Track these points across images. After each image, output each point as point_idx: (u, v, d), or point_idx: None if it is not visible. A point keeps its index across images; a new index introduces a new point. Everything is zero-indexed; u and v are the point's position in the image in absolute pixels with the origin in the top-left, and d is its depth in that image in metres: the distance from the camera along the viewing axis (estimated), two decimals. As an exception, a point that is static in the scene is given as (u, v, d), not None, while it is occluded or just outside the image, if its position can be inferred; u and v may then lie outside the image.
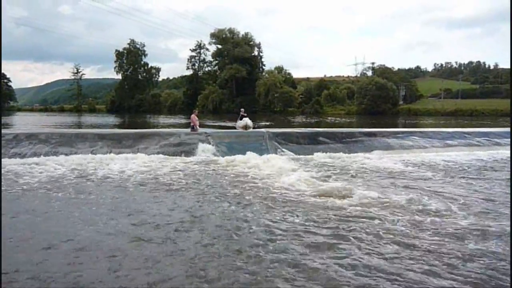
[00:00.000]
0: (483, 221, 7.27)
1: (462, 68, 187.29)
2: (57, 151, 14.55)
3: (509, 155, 17.19)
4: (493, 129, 24.64)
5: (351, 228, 6.86)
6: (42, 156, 13.99)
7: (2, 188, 9.40)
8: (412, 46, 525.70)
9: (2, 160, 12.85)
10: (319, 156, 16.22)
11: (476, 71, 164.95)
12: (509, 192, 9.87)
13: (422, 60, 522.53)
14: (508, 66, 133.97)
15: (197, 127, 18.52)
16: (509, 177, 12.43)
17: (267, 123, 39.74)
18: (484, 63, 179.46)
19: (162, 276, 5.01)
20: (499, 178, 12.18)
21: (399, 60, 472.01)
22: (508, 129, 25.53)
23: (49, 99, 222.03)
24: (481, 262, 5.49)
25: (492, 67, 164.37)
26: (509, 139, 21.64)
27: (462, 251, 5.83)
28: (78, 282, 4.83)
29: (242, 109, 22.00)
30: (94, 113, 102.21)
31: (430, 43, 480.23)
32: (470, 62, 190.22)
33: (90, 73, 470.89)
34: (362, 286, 4.81)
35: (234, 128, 18.83)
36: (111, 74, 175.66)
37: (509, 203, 8.48)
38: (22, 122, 44.51)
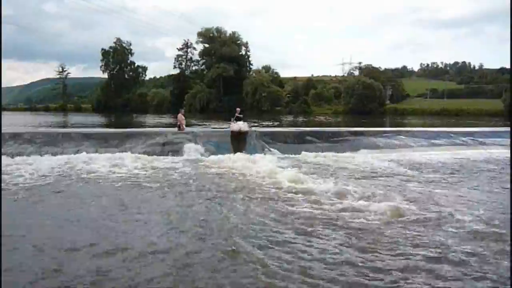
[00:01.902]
0: None
1: (448, 68, 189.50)
2: (42, 151, 14.37)
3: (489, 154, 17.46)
4: (478, 129, 24.94)
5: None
6: (26, 155, 13.81)
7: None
8: (398, 46, 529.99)
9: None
10: (306, 155, 16.23)
11: (461, 71, 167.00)
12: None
13: (409, 60, 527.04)
14: (493, 67, 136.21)
15: (184, 126, 18.41)
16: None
17: (255, 123, 39.67)
18: (469, 63, 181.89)
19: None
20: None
21: (385, 60, 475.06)
22: (493, 129, 25.88)
23: (34, 98, 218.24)
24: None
25: (477, 68, 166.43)
26: (494, 139, 21.94)
27: None
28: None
29: (238, 109, 19.57)
30: (80, 112, 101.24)
31: (416, 43, 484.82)
32: (456, 63, 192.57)
33: (75, 72, 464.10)
34: None
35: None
36: (97, 73, 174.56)
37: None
38: (6, 122, 43.83)
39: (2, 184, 9.78)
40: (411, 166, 14.27)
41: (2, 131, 15.91)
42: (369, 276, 5.06)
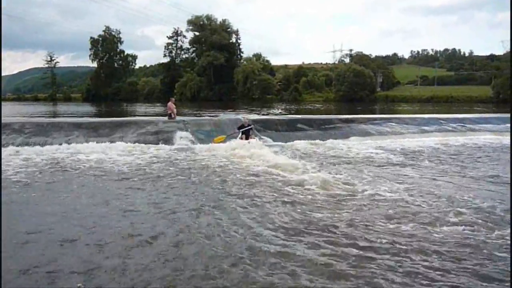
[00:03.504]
0: None
1: (438, 55, 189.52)
2: (31, 141, 14.21)
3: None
4: (468, 115, 25.13)
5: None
6: (15, 146, 13.66)
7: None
8: (389, 33, 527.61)
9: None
10: (298, 143, 16.25)
11: (451, 58, 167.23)
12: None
13: (399, 47, 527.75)
14: (483, 54, 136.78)
15: (175, 114, 18.35)
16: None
17: (249, 113, 39.64)
18: (459, 50, 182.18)
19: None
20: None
21: (376, 47, 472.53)
22: (482, 115, 26.07)
23: (22, 88, 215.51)
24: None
25: (467, 54, 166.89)
26: (484, 125, 22.14)
27: None
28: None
29: (245, 119, 16.72)
30: (70, 102, 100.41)
31: (407, 30, 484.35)
32: (446, 49, 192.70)
33: (64, 61, 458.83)
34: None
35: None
36: (86, 62, 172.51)
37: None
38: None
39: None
40: (403, 153, 14.38)
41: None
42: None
